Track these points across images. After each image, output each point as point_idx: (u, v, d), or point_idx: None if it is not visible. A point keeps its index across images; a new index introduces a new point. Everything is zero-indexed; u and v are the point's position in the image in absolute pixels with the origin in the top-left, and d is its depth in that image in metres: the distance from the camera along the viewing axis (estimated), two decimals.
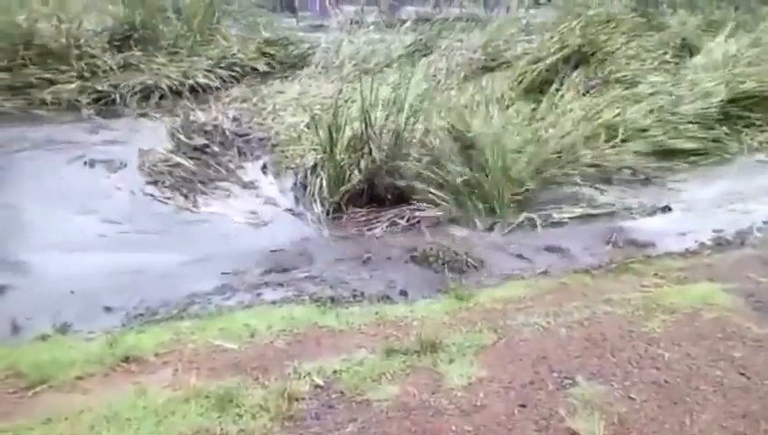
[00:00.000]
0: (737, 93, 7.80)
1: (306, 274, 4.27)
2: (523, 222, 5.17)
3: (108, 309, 3.64)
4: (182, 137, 6.91)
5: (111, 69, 8.94)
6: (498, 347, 3.15)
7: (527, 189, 5.67)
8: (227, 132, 7.11)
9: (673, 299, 3.65)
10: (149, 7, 10.33)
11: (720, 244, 4.66)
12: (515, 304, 3.69)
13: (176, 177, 5.99)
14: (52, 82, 8.55)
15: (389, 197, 5.50)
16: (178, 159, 6.28)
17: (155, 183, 5.86)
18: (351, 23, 12.37)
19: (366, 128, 5.47)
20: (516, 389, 2.76)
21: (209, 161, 6.39)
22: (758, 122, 7.75)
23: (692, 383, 2.77)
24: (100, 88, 8.59)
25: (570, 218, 5.28)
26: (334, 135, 5.44)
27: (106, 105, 8.38)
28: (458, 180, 5.47)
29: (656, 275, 4.09)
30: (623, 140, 6.64)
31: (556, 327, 3.35)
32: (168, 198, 5.57)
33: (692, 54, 10.23)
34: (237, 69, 9.82)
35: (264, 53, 10.33)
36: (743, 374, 2.82)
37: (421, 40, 11.24)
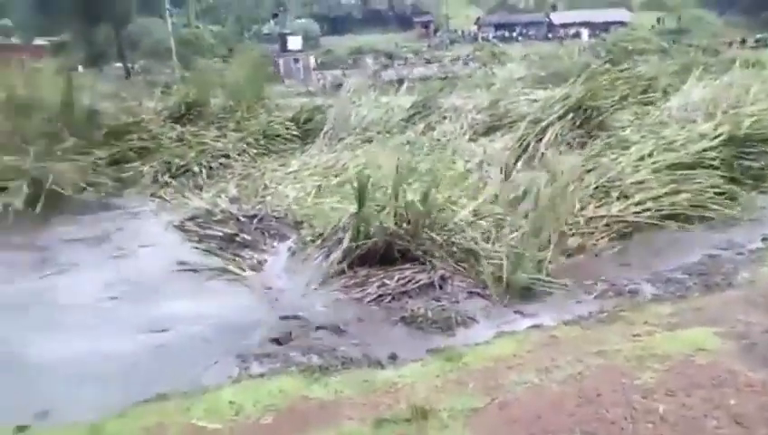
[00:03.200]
0: (734, 136, 7.44)
1: (296, 342, 4.20)
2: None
3: None
4: (198, 229, 6.58)
5: (166, 146, 9.27)
6: (491, 409, 3.08)
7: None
8: (252, 216, 6.79)
9: (665, 347, 3.60)
10: (203, 84, 10.77)
11: (707, 286, 4.64)
12: (506, 362, 3.63)
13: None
14: (116, 162, 8.89)
15: (399, 258, 5.41)
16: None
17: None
18: (349, 90, 12.55)
19: (396, 198, 5.49)
20: None
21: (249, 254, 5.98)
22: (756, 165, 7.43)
23: None
24: (147, 167, 8.79)
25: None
26: (364, 199, 5.44)
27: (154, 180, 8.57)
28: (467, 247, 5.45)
29: (646, 322, 4.05)
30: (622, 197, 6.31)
31: (548, 384, 3.29)
32: None
33: (668, 97, 10.50)
34: (270, 142, 10.10)
35: (287, 127, 10.61)
36: (739, 423, 2.76)
37: (421, 102, 11.46)
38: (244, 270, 5.59)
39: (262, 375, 3.72)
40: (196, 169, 8.81)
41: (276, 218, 6.83)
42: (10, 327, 4.51)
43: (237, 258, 5.82)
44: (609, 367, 3.43)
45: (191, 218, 6.93)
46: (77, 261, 5.90)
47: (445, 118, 10.61)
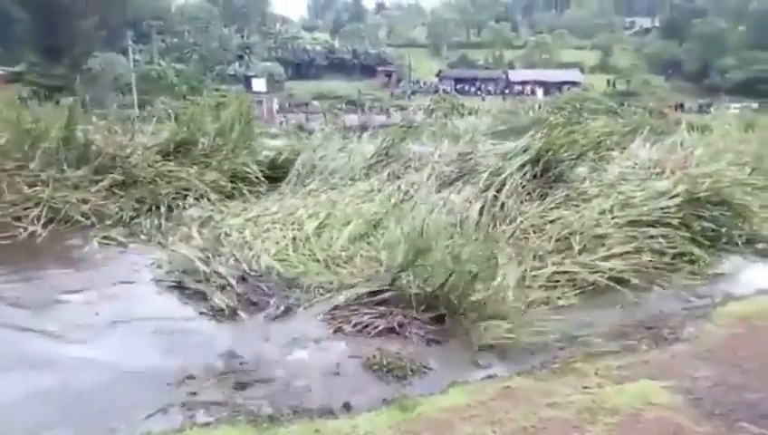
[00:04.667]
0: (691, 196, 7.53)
1: (246, 388, 4.06)
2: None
3: None
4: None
5: (143, 179, 8.96)
6: None
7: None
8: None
9: (615, 399, 3.65)
10: (194, 122, 10.58)
11: (655, 340, 4.75)
12: (460, 413, 3.60)
13: None
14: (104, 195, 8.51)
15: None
16: None
17: None
18: (317, 135, 12.47)
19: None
20: None
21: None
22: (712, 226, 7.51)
23: None
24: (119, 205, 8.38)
25: None
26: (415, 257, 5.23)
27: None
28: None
29: (597, 374, 4.10)
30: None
31: None
32: None
33: (620, 153, 10.84)
34: (242, 183, 9.81)
35: (261, 169, 10.29)
36: None
37: (384, 150, 11.31)
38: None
39: (207, 424, 3.56)
40: (162, 209, 8.49)
41: (260, 276, 6.00)
42: None
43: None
44: (562, 420, 3.44)
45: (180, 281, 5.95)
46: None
47: (409, 167, 10.62)
